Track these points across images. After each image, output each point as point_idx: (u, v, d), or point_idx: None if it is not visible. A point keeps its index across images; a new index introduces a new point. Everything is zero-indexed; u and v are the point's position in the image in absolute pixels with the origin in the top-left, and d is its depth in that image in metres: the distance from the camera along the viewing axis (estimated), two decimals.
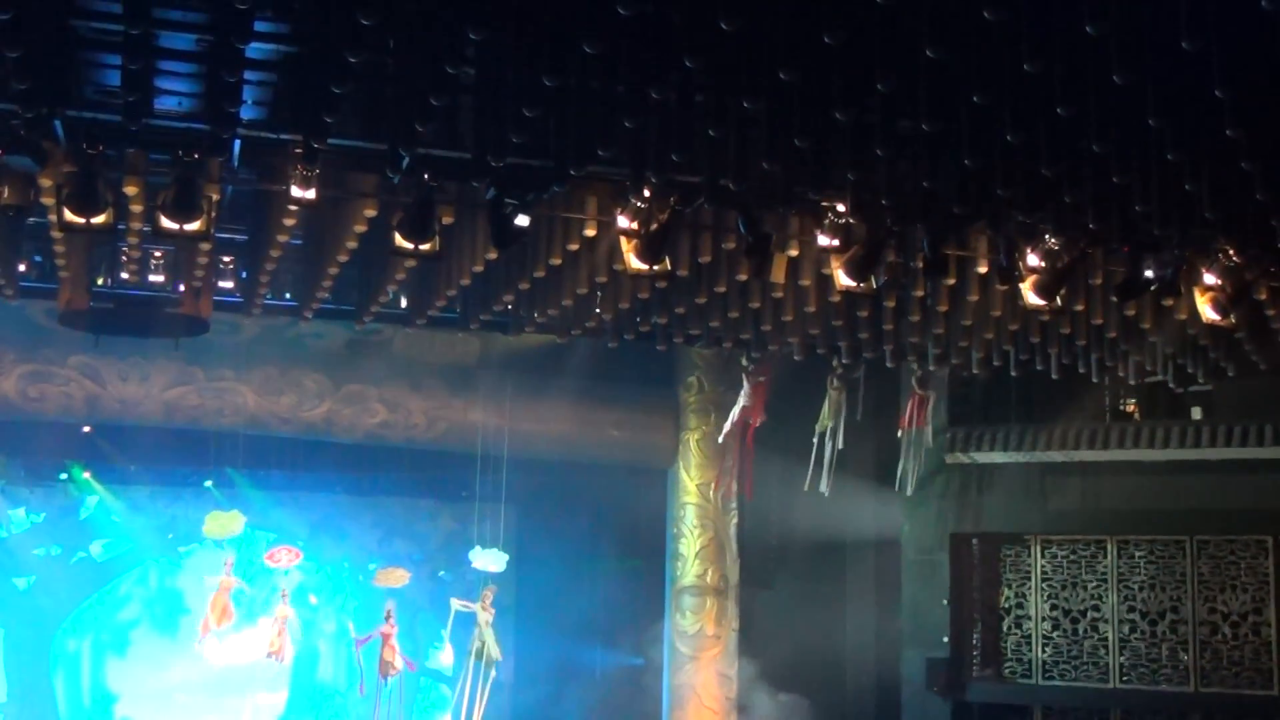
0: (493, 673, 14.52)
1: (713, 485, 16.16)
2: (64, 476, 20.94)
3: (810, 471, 14.18)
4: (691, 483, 16.26)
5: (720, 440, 14.84)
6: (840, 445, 14.05)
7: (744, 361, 13.88)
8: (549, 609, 15.80)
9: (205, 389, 14.75)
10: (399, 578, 15.60)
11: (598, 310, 11.57)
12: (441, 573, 20.13)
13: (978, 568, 15.30)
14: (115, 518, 22.20)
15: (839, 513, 15.74)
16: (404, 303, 12.05)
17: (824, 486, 14.12)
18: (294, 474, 20.66)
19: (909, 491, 14.46)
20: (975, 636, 15.14)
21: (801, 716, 15.67)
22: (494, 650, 14.52)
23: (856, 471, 15.55)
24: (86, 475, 20.81)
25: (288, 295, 11.87)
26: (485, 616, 14.78)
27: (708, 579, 16.13)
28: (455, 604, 14.76)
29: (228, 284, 11.26)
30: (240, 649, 16.57)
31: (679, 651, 16.10)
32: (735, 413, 14.55)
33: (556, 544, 17.04)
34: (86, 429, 17.26)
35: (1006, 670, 14.99)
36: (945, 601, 14.98)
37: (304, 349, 15.20)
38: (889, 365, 12.98)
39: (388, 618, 15.35)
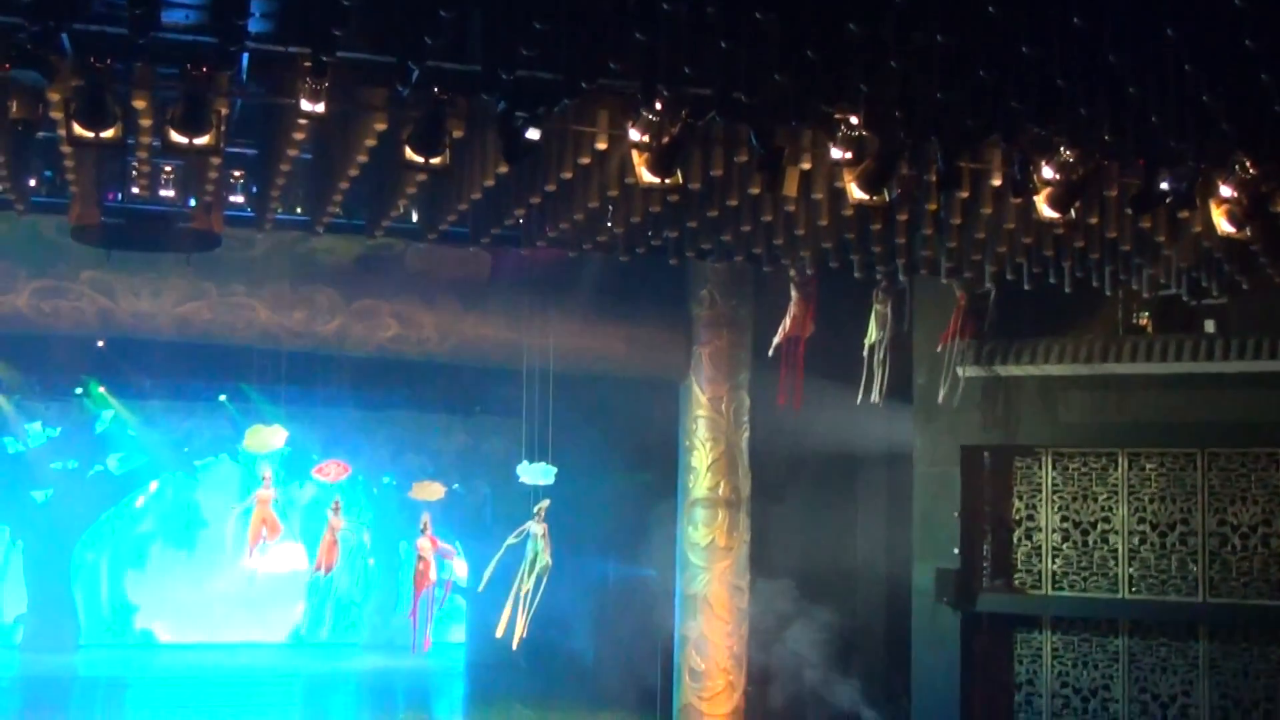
0: (544, 580, 14.61)
1: (724, 399, 16.25)
2: (79, 391, 21.14)
3: (862, 385, 14.24)
4: (703, 396, 16.33)
5: (770, 353, 14.79)
6: (886, 358, 14.11)
7: (791, 273, 13.77)
8: (561, 522, 15.94)
9: (217, 304, 14.77)
10: (434, 491, 15.64)
11: (609, 224, 11.54)
12: (455, 485, 20.35)
13: (989, 480, 15.38)
14: (131, 432, 22.45)
15: (851, 426, 15.81)
16: (415, 217, 12.02)
17: (875, 399, 14.19)
18: (307, 389, 20.78)
19: (939, 402, 14.51)
20: (986, 548, 15.26)
21: (813, 627, 15.86)
22: (546, 559, 14.58)
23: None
24: (102, 390, 21.01)
25: (299, 210, 11.84)
26: (540, 529, 14.91)
27: (720, 492, 16.25)
28: (511, 539, 14.78)
29: (239, 199, 11.24)
30: (280, 561, 16.56)
31: (691, 563, 16.27)
32: (785, 324, 14.51)
33: (570, 457, 17.13)
34: (100, 344, 17.36)
35: (1016, 581, 15.14)
36: (956, 514, 15.08)
37: (315, 264, 15.21)
38: (901, 278, 12.96)
39: (424, 530, 15.43)
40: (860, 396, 14.36)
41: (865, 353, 14.41)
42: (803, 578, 15.90)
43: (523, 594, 14.69)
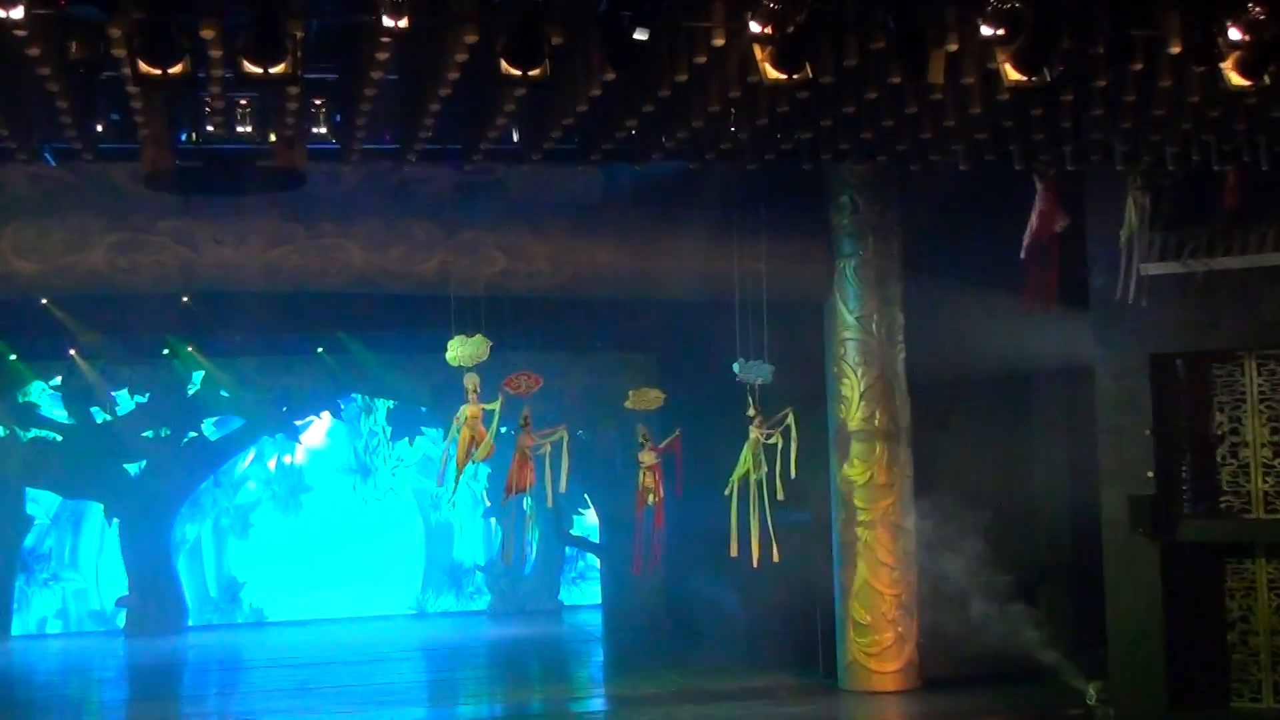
0: (779, 495, 14.87)
1: (874, 317, 16.19)
2: (166, 353, 21.79)
3: (1120, 280, 14.10)
4: (850, 316, 16.30)
5: (1022, 255, 14.69)
6: (1140, 252, 13.97)
7: (1034, 170, 13.65)
8: (699, 464, 16.08)
9: (307, 247, 15.06)
10: (653, 398, 15.82)
11: (733, 130, 11.52)
12: (580, 432, 20.60)
13: (1184, 392, 15.13)
14: (224, 394, 23.08)
15: (1021, 338, 15.65)
16: (516, 137, 12.11)
17: (1131, 296, 14.07)
18: (410, 334, 21.18)
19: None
20: (1185, 470, 15.04)
21: (990, 570, 15.82)
22: (793, 469, 14.82)
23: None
24: (190, 350, 21.62)
25: (387, 138, 12.01)
26: (649, 459, 15.19)
27: (875, 422, 16.25)
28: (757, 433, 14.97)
29: (321, 130, 11.39)
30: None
31: (848, 504, 16.32)
32: (1032, 222, 14.41)
33: (704, 392, 17.25)
34: (185, 299, 17.82)
35: (1222, 505, 14.91)
36: (1148, 432, 14.87)
37: (410, 196, 15.42)
38: (1069, 168, 12.77)
39: (644, 442, 15.72)
40: (1118, 291, 14.17)
41: (1123, 244, 14.22)
42: (975, 514, 15.84)
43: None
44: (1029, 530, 16.93)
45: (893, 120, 11.20)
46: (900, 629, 16.20)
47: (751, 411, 15.04)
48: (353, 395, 24.09)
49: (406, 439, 24.74)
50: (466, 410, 14.76)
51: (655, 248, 15.89)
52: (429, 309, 17.59)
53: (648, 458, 15.68)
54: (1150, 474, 14.82)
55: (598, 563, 24.34)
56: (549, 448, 15.02)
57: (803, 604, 17.21)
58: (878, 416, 16.23)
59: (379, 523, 24.93)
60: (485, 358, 14.63)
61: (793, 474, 14.85)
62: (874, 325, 16.27)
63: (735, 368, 15.04)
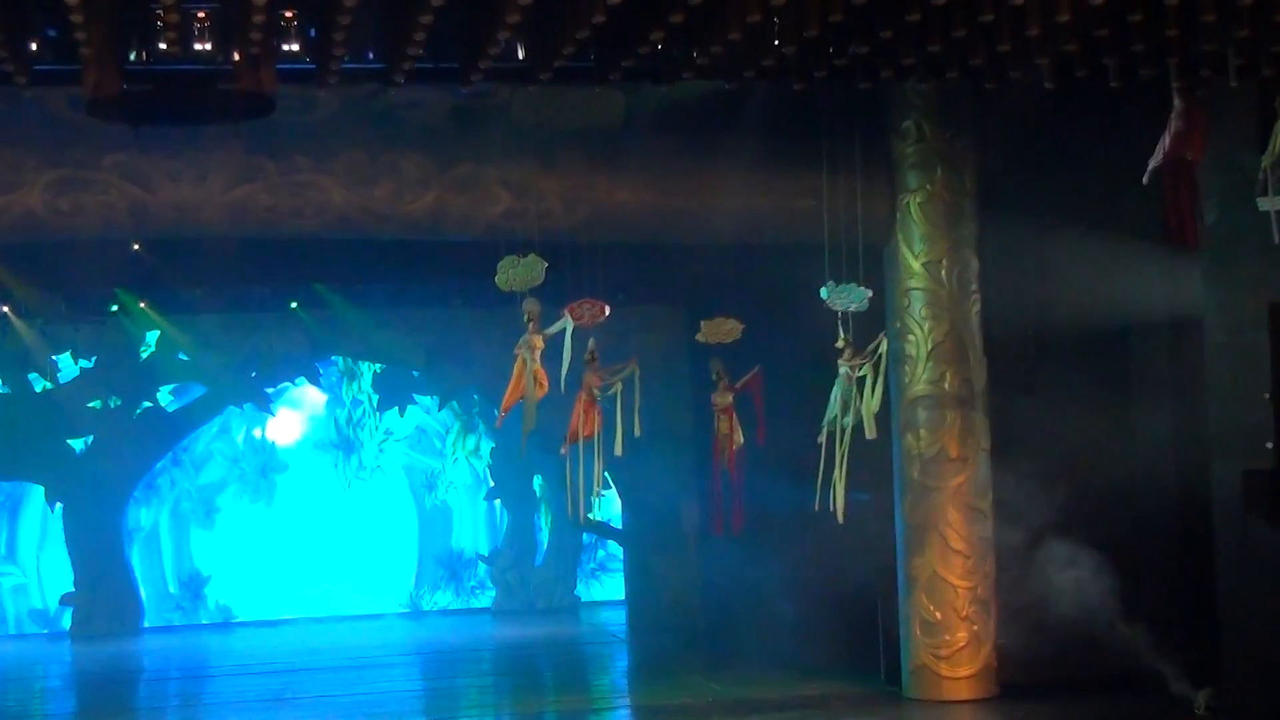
0: (870, 433, 15.12)
1: (944, 262, 16.14)
2: (115, 310, 21.84)
3: (1273, 217, 13.96)
4: (916, 262, 16.24)
5: (1144, 180, 14.58)
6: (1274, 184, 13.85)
7: (1174, 83, 13.51)
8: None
9: (278, 185, 15.06)
10: (729, 330, 15.85)
11: (776, 43, 11.46)
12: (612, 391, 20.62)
13: None
14: (183, 357, 23.15)
15: (1117, 286, 15.57)
16: (521, 54, 12.09)
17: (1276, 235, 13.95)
18: (400, 287, 21.20)
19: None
20: None
21: (1081, 557, 15.80)
22: (874, 404, 15.08)
23: (1135, 228, 15.32)
24: (142, 306, 21.67)
25: (371, 56, 11.99)
26: (850, 367, 15.24)
27: (946, 386, 16.21)
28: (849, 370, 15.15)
29: (293, 47, 11.40)
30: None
31: (914, 481, 16.30)
32: (1164, 143, 14.28)
33: (742, 353, 17.20)
34: (136, 246, 17.85)
35: None
36: (1267, 395, 14.80)
37: (398, 125, 15.40)
38: (1175, 85, 12.68)
39: (718, 380, 15.81)
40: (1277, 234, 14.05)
41: (1261, 173, 14.06)
42: (1063, 493, 15.82)
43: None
44: (1126, 512, 16.87)
45: (965, 30, 11.13)
46: (975, 628, 16.19)
47: (841, 343, 15.10)
48: (333, 358, 24.15)
49: (396, 409, 24.80)
50: (528, 340, 14.71)
51: (686, 184, 15.85)
52: (421, 256, 17.58)
53: (723, 398, 15.83)
54: (1270, 445, 14.76)
55: (620, 552, 24.40)
56: (620, 385, 15.02)
57: (861, 598, 17.22)
58: (948, 379, 16.18)
59: (365, 507, 25.04)
60: (540, 281, 14.58)
61: (876, 407, 15.13)
62: (943, 272, 16.20)
63: (823, 292, 15.11)
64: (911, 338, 16.27)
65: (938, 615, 16.20)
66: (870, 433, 15.15)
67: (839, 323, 15.21)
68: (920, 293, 16.27)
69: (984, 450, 16.35)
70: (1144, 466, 17.18)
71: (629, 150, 15.88)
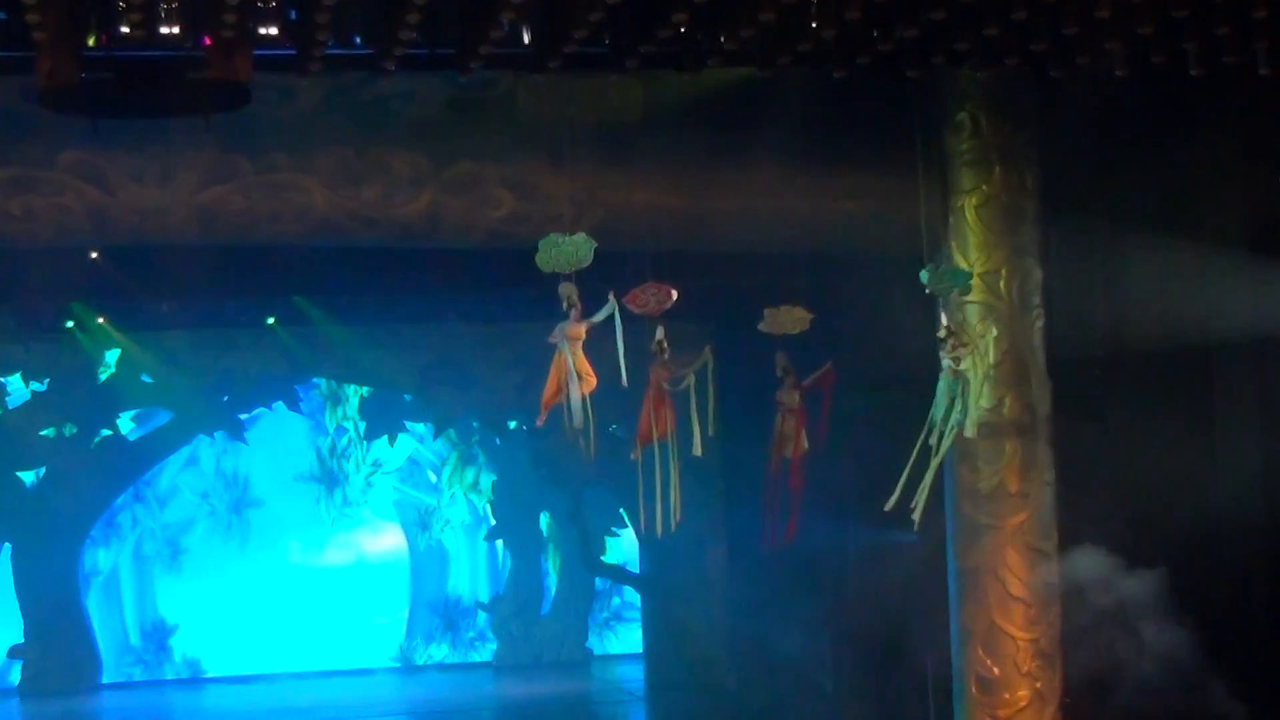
0: (970, 431, 15.15)
1: (1003, 272, 16.15)
2: (70, 325, 21.91)
3: None
4: (972, 272, 16.24)
5: None
6: None
7: (1262, 70, 13.53)
8: (753, 450, 16.15)
9: (253, 185, 15.11)
10: (797, 319, 15.81)
11: (814, 25, 11.50)
12: (613, 427, 20.65)
13: None
14: (146, 379, 23.23)
15: (1198, 298, 15.58)
16: (527, 37, 12.13)
17: None
18: (390, 300, 21.24)
19: None
20: None
21: (1158, 605, 15.79)
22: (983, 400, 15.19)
23: (1217, 233, 15.33)
24: (101, 321, 21.74)
25: (358, 40, 12.04)
26: (953, 359, 15.27)
27: (1005, 411, 16.18)
28: None
29: (271, 31, 11.45)
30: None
31: (969, 519, 16.28)
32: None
33: (770, 375, 17.23)
34: (94, 255, 17.91)
35: None
36: None
37: (388, 117, 15.45)
38: (1263, 71, 12.70)
39: (784, 376, 15.91)
40: None
41: None
42: (1138, 533, 15.82)
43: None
44: (1209, 553, 16.86)
45: (1026, 11, 11.16)
46: (1039, 685, 16.16)
47: (943, 332, 15.07)
48: (315, 380, 24.23)
49: (385, 437, 24.87)
50: (567, 330, 14.53)
51: (711, 185, 15.88)
52: (414, 266, 17.62)
53: (789, 397, 15.84)
54: None
55: (637, 599, 24.42)
56: (692, 378, 15.02)
57: (909, 652, 17.22)
58: (1008, 404, 16.14)
59: (350, 548, 25.09)
60: (588, 262, 14.42)
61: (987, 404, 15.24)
62: (1002, 284, 16.17)
63: (923, 276, 15.07)
64: (967, 358, 16.27)
65: (996, 671, 16.16)
66: (970, 431, 15.09)
67: (940, 310, 15.17)
68: (975, 306, 16.23)
69: (1048, 484, 16.31)
70: (1230, 501, 17.16)
71: (647, 147, 15.91)
